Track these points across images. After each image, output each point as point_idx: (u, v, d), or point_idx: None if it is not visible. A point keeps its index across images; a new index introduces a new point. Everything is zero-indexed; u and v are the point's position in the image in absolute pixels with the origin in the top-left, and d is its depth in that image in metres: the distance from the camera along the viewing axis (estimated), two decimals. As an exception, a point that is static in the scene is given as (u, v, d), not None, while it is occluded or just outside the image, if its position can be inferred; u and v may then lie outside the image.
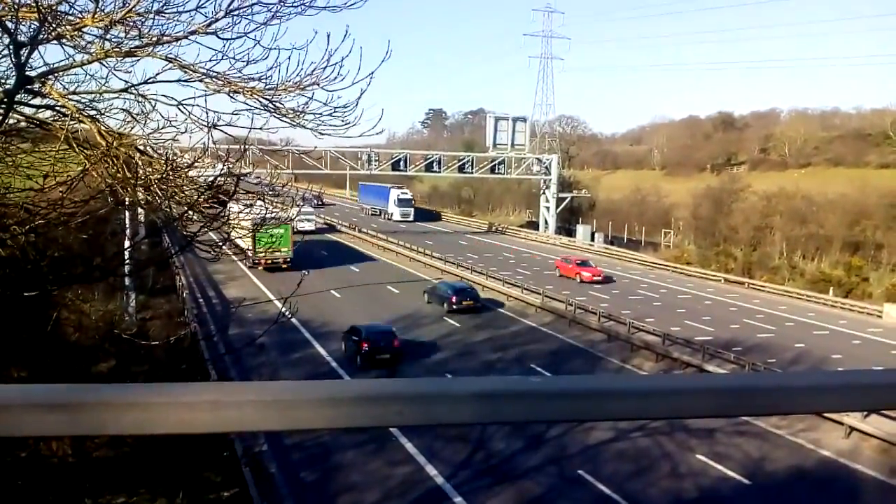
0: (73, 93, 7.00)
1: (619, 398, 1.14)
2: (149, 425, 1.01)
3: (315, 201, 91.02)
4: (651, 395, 1.16)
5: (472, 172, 73.48)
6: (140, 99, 7.10)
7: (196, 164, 7.43)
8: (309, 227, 63.78)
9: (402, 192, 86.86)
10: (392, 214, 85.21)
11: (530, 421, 1.11)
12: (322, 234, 67.27)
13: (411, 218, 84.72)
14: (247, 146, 7.69)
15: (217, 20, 6.35)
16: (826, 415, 20.84)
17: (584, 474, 19.54)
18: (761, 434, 22.10)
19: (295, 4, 6.56)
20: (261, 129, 7.27)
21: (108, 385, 1.04)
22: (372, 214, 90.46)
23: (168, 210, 7.69)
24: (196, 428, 1.01)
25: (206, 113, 6.77)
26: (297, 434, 19.38)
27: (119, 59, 6.69)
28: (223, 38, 6.49)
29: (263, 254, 45.69)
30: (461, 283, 43.37)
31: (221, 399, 1.03)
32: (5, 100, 6.27)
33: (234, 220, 7.90)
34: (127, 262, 11.97)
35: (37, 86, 6.47)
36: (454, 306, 38.09)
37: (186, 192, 7.30)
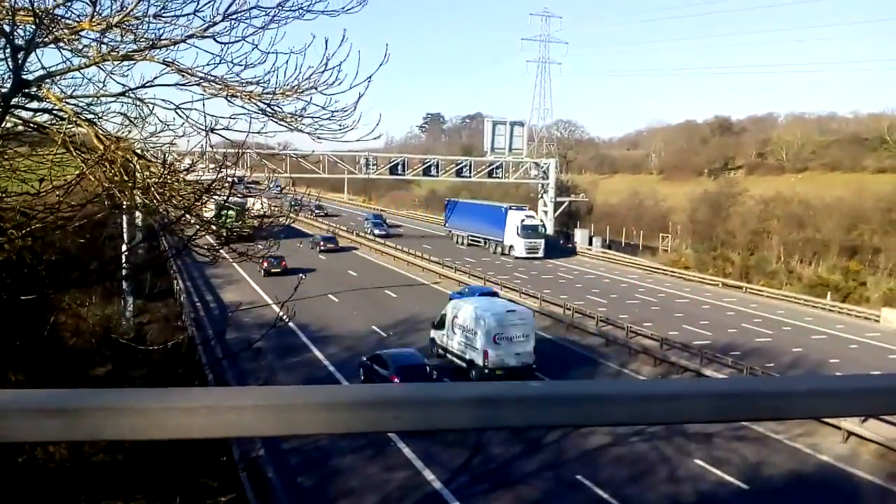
0: (71, 96, 7.00)
1: (618, 403, 1.13)
2: (146, 430, 1.01)
3: (384, 227, 77.24)
4: (650, 399, 1.16)
5: (469, 177, 73.41)
6: (138, 103, 7.11)
7: (194, 168, 7.43)
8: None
9: (527, 216, 63.69)
10: (512, 247, 62.44)
11: (529, 426, 1.11)
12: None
13: (541, 253, 61.80)
14: (244, 150, 7.68)
15: (215, 24, 6.35)
16: (824, 419, 20.85)
17: (582, 479, 19.51)
18: (759, 439, 22.09)
19: (293, 9, 6.57)
20: (259, 133, 7.26)
21: (105, 390, 1.04)
22: (469, 244, 68.75)
23: (165, 214, 7.68)
24: (193, 433, 1.01)
25: (204, 117, 6.78)
26: (295, 439, 19.35)
27: (116, 62, 6.69)
28: (221, 42, 6.49)
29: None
30: (328, 234, 66.93)
31: (219, 404, 1.03)
32: (2, 103, 6.26)
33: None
34: (124, 265, 11.96)
35: (34, 89, 6.47)
36: (322, 248, 61.53)
37: (184, 196, 7.29)
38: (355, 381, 28.61)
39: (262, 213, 8.76)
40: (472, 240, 68.70)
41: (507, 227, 62.63)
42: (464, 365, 28.67)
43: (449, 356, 29.93)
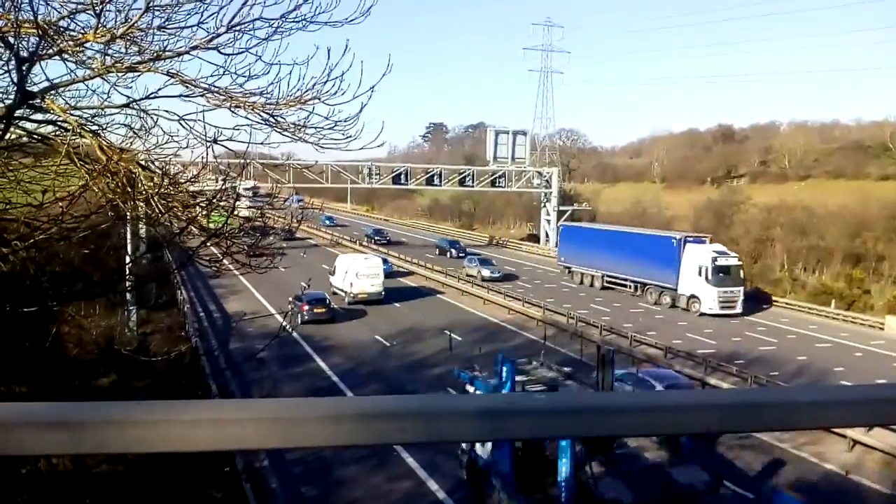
0: (75, 108, 7.02)
1: (624, 414, 1.13)
2: (151, 443, 1.01)
3: (493, 266, 55.79)
4: (655, 410, 1.15)
5: (472, 186, 73.63)
6: (141, 114, 7.12)
7: (197, 180, 7.44)
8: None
9: (718, 252, 44.17)
10: (695, 299, 43.40)
11: (534, 437, 1.11)
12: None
13: (739, 307, 43.00)
14: (248, 161, 7.70)
15: (218, 35, 6.37)
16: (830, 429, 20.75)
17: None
18: (764, 447, 21.99)
19: (296, 20, 6.58)
20: (262, 143, 7.28)
21: (109, 403, 1.04)
22: (603, 286, 50.28)
23: (169, 225, 7.69)
24: (198, 446, 1.01)
25: (207, 128, 6.80)
26: (299, 449, 19.32)
27: (121, 74, 6.71)
28: (225, 54, 6.51)
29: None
30: (292, 228, 74.23)
31: (223, 417, 1.03)
32: (7, 115, 6.28)
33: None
34: (128, 277, 11.98)
35: (38, 101, 6.49)
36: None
37: (187, 207, 7.30)
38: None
39: (261, 221, 8.77)
40: (609, 281, 49.99)
41: (685, 267, 43.41)
42: (342, 294, 44.35)
43: (338, 291, 44.72)
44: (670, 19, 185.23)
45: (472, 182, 72.70)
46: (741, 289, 43.55)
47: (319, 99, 6.78)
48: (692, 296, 43.60)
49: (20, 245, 6.35)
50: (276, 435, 1.03)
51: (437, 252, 68.98)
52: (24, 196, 7.06)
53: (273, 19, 6.46)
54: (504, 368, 18.19)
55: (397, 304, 44.82)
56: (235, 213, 7.61)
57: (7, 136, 6.60)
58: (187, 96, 6.78)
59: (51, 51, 6.24)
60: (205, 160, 7.20)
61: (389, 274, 51.31)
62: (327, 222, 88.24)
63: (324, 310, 38.58)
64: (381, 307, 43.16)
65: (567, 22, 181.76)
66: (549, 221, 74.37)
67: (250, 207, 9.19)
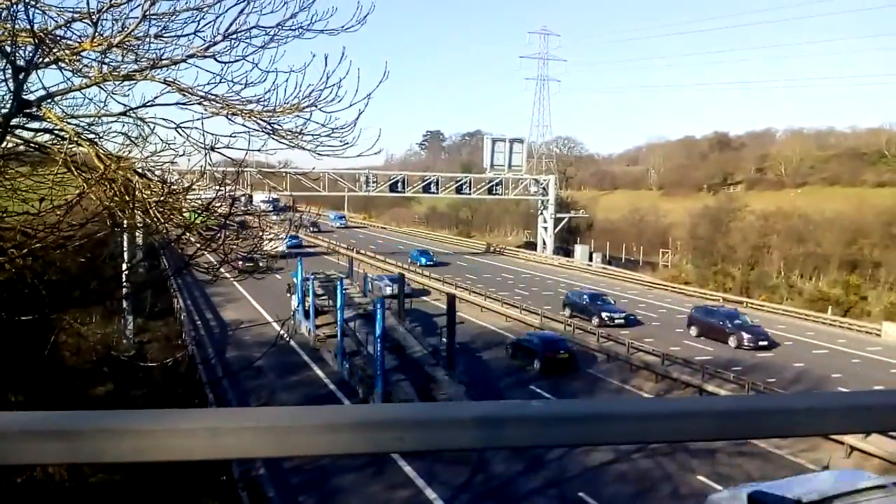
0: (72, 116, 7.02)
1: (621, 422, 1.13)
2: (147, 452, 1.00)
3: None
4: (653, 418, 1.15)
5: (469, 193, 73.61)
6: (138, 122, 7.12)
7: (194, 187, 7.43)
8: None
9: None
10: None
11: (532, 446, 1.11)
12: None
13: None
14: (245, 168, 7.69)
15: (215, 43, 6.38)
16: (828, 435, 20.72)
17: (584, 496, 19.39)
18: (763, 454, 21.96)
19: (293, 28, 6.60)
20: (259, 150, 7.29)
21: (106, 412, 1.03)
22: None
23: (165, 232, 7.68)
24: (194, 455, 1.01)
25: (205, 135, 6.79)
26: (296, 458, 19.24)
27: (117, 82, 6.71)
28: (221, 62, 6.52)
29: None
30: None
31: (219, 426, 1.02)
32: (3, 124, 6.28)
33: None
34: (125, 284, 11.94)
35: (35, 110, 6.48)
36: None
37: (184, 215, 7.30)
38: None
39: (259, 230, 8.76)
40: None
41: None
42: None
43: None
44: (666, 27, 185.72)
45: (469, 190, 72.69)
46: None
47: (316, 106, 6.79)
48: None
49: (17, 253, 6.33)
50: (272, 443, 1.03)
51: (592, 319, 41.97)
52: (21, 204, 7.04)
53: (270, 27, 6.48)
54: (298, 264, 31.26)
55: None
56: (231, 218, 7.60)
57: (3, 145, 6.60)
58: (184, 104, 6.78)
59: (47, 59, 6.24)
60: (203, 168, 7.20)
61: (299, 245, 63.75)
62: (422, 260, 63.79)
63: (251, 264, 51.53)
64: (292, 262, 50.01)
65: (563, 30, 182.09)
66: (545, 229, 74.40)
67: (251, 213, 9.16)
